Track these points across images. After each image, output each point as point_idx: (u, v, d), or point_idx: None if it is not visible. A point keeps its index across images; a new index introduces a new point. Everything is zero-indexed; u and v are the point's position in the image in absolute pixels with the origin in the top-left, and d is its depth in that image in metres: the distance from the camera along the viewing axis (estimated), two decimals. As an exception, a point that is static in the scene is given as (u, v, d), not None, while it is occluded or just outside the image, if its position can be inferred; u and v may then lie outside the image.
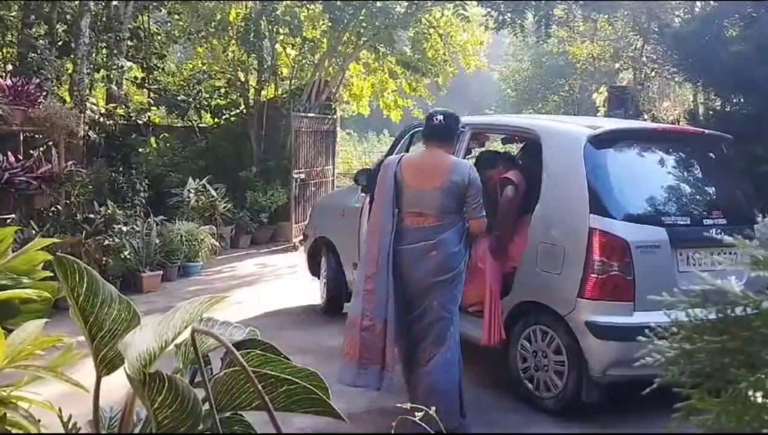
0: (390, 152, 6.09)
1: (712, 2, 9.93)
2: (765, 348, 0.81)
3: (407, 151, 6.03)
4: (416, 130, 6.09)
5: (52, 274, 2.21)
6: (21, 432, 1.60)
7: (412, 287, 4.21)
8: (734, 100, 8.85)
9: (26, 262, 1.98)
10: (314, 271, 7.58)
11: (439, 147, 4.35)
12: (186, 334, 1.30)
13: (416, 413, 1.68)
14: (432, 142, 4.38)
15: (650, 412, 3.85)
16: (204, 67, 13.54)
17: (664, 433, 1.01)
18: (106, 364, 1.30)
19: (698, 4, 10.71)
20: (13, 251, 2.34)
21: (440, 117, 4.37)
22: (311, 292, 7.62)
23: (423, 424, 1.91)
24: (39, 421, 1.78)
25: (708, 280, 0.88)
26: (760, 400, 0.78)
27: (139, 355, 1.20)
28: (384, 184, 4.30)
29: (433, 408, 1.56)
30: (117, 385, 1.73)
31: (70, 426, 1.86)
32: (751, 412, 0.78)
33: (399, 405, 1.53)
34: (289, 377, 1.29)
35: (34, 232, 7.33)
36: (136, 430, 1.45)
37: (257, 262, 10.27)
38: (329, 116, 13.11)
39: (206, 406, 1.28)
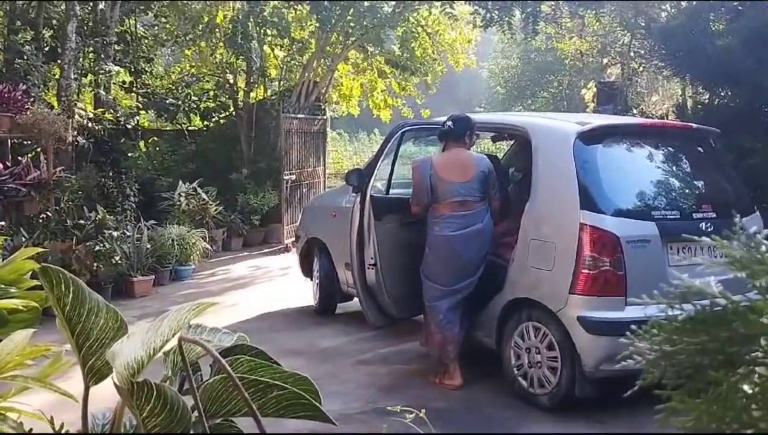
0: (380, 152, 6.07)
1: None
2: (744, 347, 0.82)
3: (397, 150, 6.03)
4: (406, 129, 6.09)
5: (40, 284, 2.20)
6: (11, 443, 1.60)
7: (462, 264, 5.02)
8: (722, 94, 8.89)
9: (14, 272, 1.97)
10: (307, 272, 7.56)
11: (456, 146, 5.18)
12: (174, 342, 1.30)
13: (407, 415, 1.69)
14: (449, 143, 5.21)
15: (642, 407, 3.86)
16: (192, 70, 13.50)
17: (655, 434, 1.01)
18: (94, 374, 1.29)
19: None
20: (2, 260, 2.33)
21: (449, 122, 5.23)
22: (304, 293, 7.61)
23: (414, 426, 1.91)
24: (31, 430, 1.77)
25: (687, 281, 0.88)
26: (740, 401, 0.78)
27: (127, 363, 1.20)
28: (422, 183, 5.11)
29: (423, 410, 1.58)
30: (107, 394, 1.72)
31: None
32: (731, 413, 0.78)
33: (390, 408, 1.53)
34: (278, 383, 1.28)
35: (24, 239, 7.29)
36: (127, 439, 1.44)
37: (250, 265, 10.25)
38: (319, 117, 13.10)
39: (196, 414, 1.28)
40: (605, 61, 15.41)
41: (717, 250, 1.00)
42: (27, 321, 1.88)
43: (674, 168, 5.34)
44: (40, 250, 2.18)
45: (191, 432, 1.26)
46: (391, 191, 6.24)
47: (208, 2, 12.06)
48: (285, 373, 1.34)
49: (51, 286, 1.26)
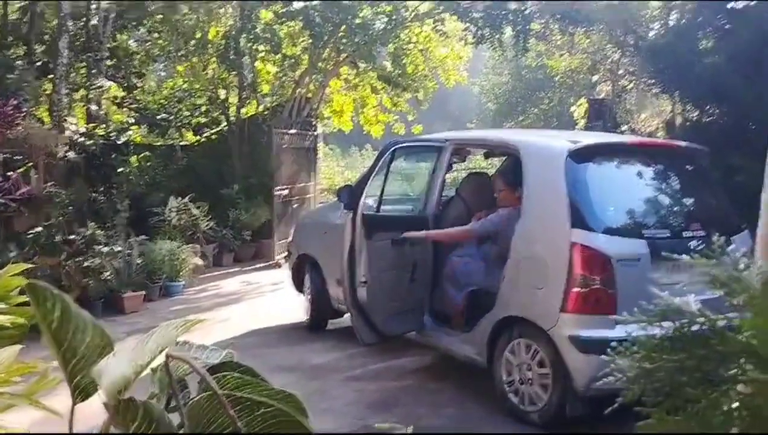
0: (372, 168, 6.08)
1: (686, 15, 10.06)
2: (721, 365, 0.82)
3: (389, 167, 6.03)
4: (398, 146, 6.11)
5: (28, 300, 2.19)
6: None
7: None
8: (710, 111, 8.96)
9: (1, 288, 1.96)
10: (299, 286, 7.54)
11: None
12: (162, 359, 1.29)
13: (397, 431, 1.68)
14: None
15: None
16: (184, 86, 13.51)
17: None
18: (81, 391, 1.28)
19: (672, 17, 10.86)
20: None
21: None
22: (296, 309, 7.59)
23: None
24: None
25: (667, 298, 0.89)
26: (718, 419, 0.78)
27: (113, 381, 1.19)
28: None
29: (410, 427, 1.58)
30: (93, 412, 1.70)
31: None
32: (708, 430, 0.78)
33: (379, 424, 1.53)
34: (264, 400, 1.27)
35: (11, 255, 7.24)
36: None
37: (241, 280, 10.22)
38: (310, 132, 13.12)
39: (183, 431, 1.27)
40: (595, 78, 15.52)
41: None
42: (14, 337, 1.87)
43: (664, 186, 5.37)
44: (28, 265, 2.17)
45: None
46: (382, 208, 6.24)
47: (200, 18, 12.09)
48: (272, 391, 1.33)
49: (38, 303, 1.25)
